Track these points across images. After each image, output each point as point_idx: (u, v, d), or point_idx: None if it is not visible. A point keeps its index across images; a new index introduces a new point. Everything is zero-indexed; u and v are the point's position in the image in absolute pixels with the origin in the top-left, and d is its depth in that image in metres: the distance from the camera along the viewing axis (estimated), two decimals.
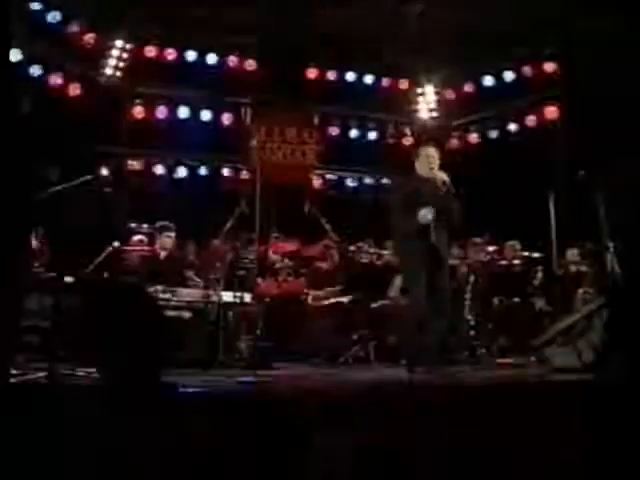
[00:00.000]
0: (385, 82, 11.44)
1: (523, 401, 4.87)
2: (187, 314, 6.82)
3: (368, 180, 11.58)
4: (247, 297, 7.33)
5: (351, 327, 7.45)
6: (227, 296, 7.12)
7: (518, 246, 8.43)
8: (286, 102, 11.08)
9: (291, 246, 8.80)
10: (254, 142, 10.98)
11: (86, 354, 4.97)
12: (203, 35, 10.60)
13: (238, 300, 7.10)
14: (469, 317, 7.62)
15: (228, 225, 7.74)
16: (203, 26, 10.33)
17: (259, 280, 8.38)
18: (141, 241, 8.01)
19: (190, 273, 7.95)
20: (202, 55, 10.63)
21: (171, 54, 10.50)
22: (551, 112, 10.47)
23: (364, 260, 7.44)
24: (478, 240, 8.23)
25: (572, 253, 8.65)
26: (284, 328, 7.72)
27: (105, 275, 7.09)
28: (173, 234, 7.57)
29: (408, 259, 6.29)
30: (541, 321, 7.94)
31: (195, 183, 10.76)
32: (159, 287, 6.74)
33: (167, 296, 6.69)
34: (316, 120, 11.34)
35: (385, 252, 7.96)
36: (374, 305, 7.64)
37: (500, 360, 7.28)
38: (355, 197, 11.44)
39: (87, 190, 6.11)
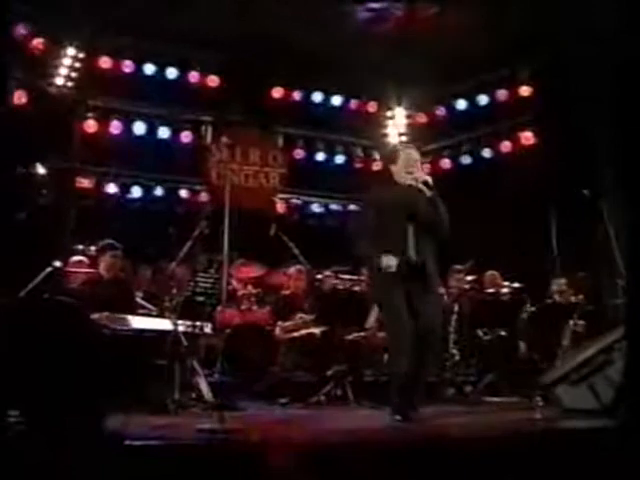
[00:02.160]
0: (353, 104, 10.56)
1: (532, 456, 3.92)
2: (137, 346, 5.64)
3: (334, 206, 10.60)
4: (207, 327, 6.23)
5: (324, 362, 6.35)
6: (184, 325, 6.01)
7: (497, 275, 7.54)
8: (249, 122, 10.12)
9: (255, 272, 7.73)
10: (214, 163, 9.95)
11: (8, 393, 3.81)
12: (163, 48, 9.61)
13: (197, 330, 6.00)
14: (454, 351, 6.64)
15: (186, 247, 6.71)
16: (163, 39, 9.36)
17: (219, 308, 7.29)
18: (80, 262, 6.87)
19: (141, 300, 6.82)
20: (161, 69, 9.60)
21: (128, 66, 9.44)
22: (527, 138, 9.71)
23: (340, 287, 6.41)
24: (459, 267, 7.28)
25: (558, 283, 7.80)
26: (248, 363, 6.62)
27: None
28: (119, 253, 6.43)
29: (382, 286, 5.09)
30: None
31: (150, 204, 9.63)
32: (104, 314, 5.57)
33: (113, 325, 5.51)
34: (280, 142, 10.36)
35: (362, 278, 6.94)
36: (349, 337, 6.56)
37: (490, 399, 6.33)
38: (321, 224, 10.44)
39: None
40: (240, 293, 7.52)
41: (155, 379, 5.49)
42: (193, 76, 9.76)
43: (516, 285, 7.14)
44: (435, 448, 3.95)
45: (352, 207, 10.62)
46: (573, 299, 7.12)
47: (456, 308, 6.72)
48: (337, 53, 9.76)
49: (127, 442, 3.32)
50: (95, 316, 5.48)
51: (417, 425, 4.71)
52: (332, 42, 9.51)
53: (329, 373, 6.27)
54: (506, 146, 9.82)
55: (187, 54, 9.74)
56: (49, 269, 6.02)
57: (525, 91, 9.62)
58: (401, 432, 4.53)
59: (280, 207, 10.16)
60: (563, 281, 7.72)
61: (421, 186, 5.13)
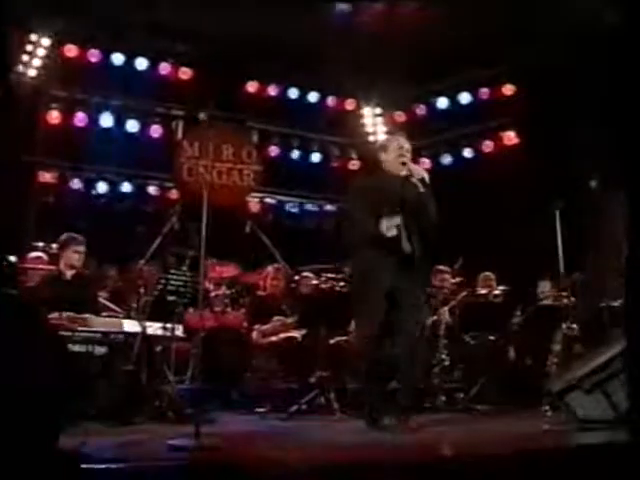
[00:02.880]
0: (330, 101, 9.99)
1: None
2: (101, 349, 4.90)
3: (310, 206, 10.01)
4: (178, 330, 5.59)
5: (306, 368, 5.73)
6: (153, 328, 5.37)
7: (493, 277, 7.02)
8: (223, 117, 9.48)
9: (229, 272, 7.10)
10: (185, 159, 9.29)
11: None
12: (133, 38, 8.95)
13: (167, 333, 5.36)
14: (443, 356, 6.08)
15: (155, 244, 6.09)
16: (133, 28, 8.71)
17: (190, 310, 6.64)
18: (39, 258, 6.19)
19: (105, 300, 6.15)
20: (130, 59, 8.93)
21: (94, 56, 8.74)
22: (509, 138, 9.24)
23: (322, 286, 5.80)
24: (444, 268, 6.73)
25: (544, 285, 7.31)
26: (222, 369, 5.99)
27: None
28: (83, 248, 5.75)
29: (364, 280, 4.72)
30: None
31: (116, 201, 8.93)
32: (64, 314, 4.89)
33: (74, 326, 4.82)
34: (255, 138, 9.74)
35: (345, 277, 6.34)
36: (332, 341, 5.96)
37: (482, 407, 5.79)
38: (296, 224, 9.83)
39: None
40: (213, 294, 6.89)
41: (120, 387, 4.83)
42: (164, 68, 9.12)
43: (505, 288, 6.60)
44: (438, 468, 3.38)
45: (329, 207, 10.08)
46: (565, 301, 6.60)
47: (447, 311, 6.16)
48: (314, 49, 9.23)
49: (84, 466, 2.69)
50: (55, 316, 4.83)
51: (410, 440, 4.15)
52: (309, 37, 8.99)
53: (311, 380, 5.66)
54: (488, 146, 9.33)
55: (158, 45, 9.10)
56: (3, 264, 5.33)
57: (508, 90, 9.16)
58: (393, 450, 3.93)
59: (254, 206, 9.53)
60: (548, 283, 7.25)
61: (415, 181, 4.72)
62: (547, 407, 4.71)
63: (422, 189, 4.71)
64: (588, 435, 4.00)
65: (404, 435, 4.28)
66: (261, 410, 5.58)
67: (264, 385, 5.87)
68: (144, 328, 5.20)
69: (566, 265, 7.61)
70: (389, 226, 4.58)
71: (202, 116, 4.38)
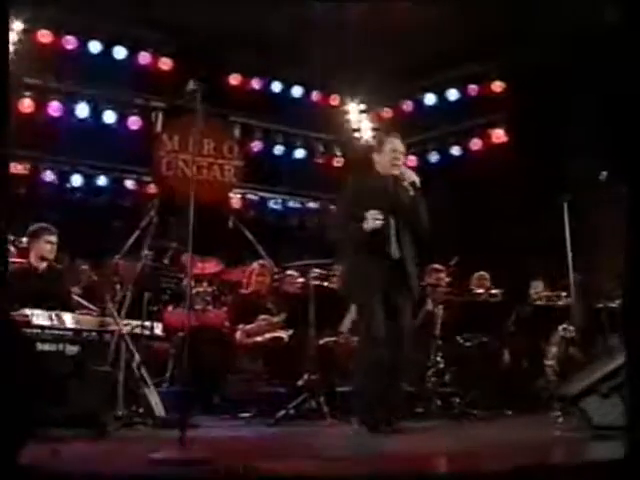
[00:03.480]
0: (315, 96, 9.57)
1: None
2: (73, 349, 4.35)
3: (293, 203, 9.57)
4: (157, 328, 5.13)
5: (294, 370, 5.28)
6: (130, 326, 4.89)
7: (487, 276, 6.65)
8: (204, 110, 8.99)
9: (211, 268, 6.63)
10: (165, 152, 8.81)
11: None
12: (111, 25, 8.45)
13: (145, 332, 4.88)
14: (438, 359, 5.68)
15: (133, 237, 5.65)
16: (111, 15, 8.21)
17: (169, 309, 6.18)
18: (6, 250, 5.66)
19: (78, 297, 5.65)
20: (108, 47, 8.42)
21: (70, 42, 8.22)
22: (498, 136, 8.90)
23: (314, 283, 5.35)
24: (439, 267, 6.33)
25: (536, 285, 6.96)
26: (203, 371, 5.51)
27: None
28: (55, 239, 5.24)
29: (357, 281, 4.55)
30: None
31: (92, 195, 8.41)
32: (34, 311, 4.38)
33: (44, 322, 4.32)
34: (237, 132, 9.28)
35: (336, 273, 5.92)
36: (322, 342, 5.51)
37: (480, 412, 5.40)
38: (279, 222, 9.38)
39: None
40: (194, 291, 6.42)
41: (93, 390, 4.33)
42: (144, 57, 8.62)
43: (498, 289, 6.22)
44: None
45: (312, 205, 9.66)
46: (561, 302, 6.24)
47: (440, 312, 5.75)
48: (299, 42, 8.82)
49: None
50: (25, 312, 4.32)
51: (412, 449, 3.74)
52: (294, 30, 8.57)
53: (299, 383, 5.21)
54: (476, 144, 8.98)
55: (138, 33, 8.61)
56: None
57: (498, 87, 8.82)
58: (394, 460, 3.51)
59: (235, 202, 9.06)
60: (541, 283, 6.90)
61: (406, 185, 4.61)
62: (558, 413, 4.31)
63: (412, 192, 4.58)
64: (605, 446, 3.59)
65: (403, 442, 3.89)
66: (246, 415, 5.13)
67: (248, 388, 5.41)
68: (120, 326, 4.73)
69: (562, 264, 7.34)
70: (371, 219, 4.39)
71: (191, 85, 3.90)
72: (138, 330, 4.87)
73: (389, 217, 4.50)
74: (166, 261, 5.20)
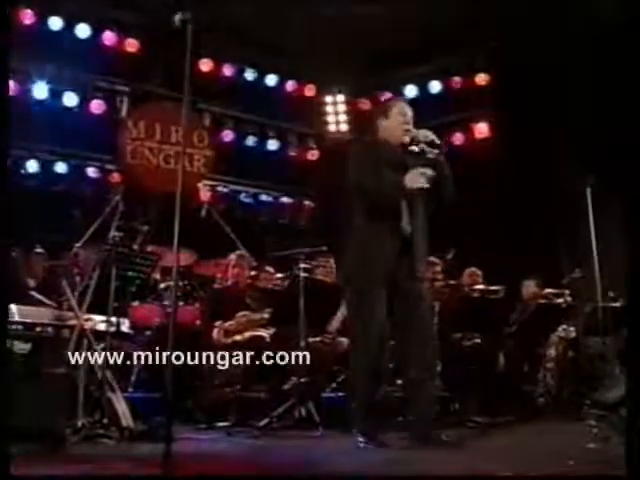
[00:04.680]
0: (290, 85, 8.89)
1: None
2: (23, 346, 3.55)
3: (265, 197, 8.84)
4: (124, 325, 4.36)
5: (280, 373, 4.56)
6: (93, 321, 4.12)
7: (479, 273, 6.04)
8: (172, 95, 8.24)
9: (183, 260, 5.85)
10: (130, 140, 8.01)
11: None
12: (74, 1, 7.64)
13: (110, 328, 4.11)
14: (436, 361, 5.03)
15: (95, 224, 4.94)
16: None
17: (135, 304, 5.41)
18: None
19: (33, 291, 4.87)
20: (70, 25, 7.60)
21: (28, 17, 7.38)
22: (480, 130, 8.35)
23: (304, 275, 4.62)
24: (435, 260, 5.68)
25: (528, 285, 6.39)
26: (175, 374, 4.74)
27: None
28: None
29: (361, 262, 3.82)
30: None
31: (50, 182, 7.55)
32: None
33: None
34: (207, 121, 8.52)
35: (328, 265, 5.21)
36: (308, 342, 4.78)
37: (483, 419, 4.78)
38: (250, 216, 8.63)
39: None
40: (163, 285, 5.66)
41: (49, 395, 3.54)
42: (108, 38, 7.82)
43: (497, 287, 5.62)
44: None
45: (285, 199, 8.95)
46: (561, 301, 5.67)
47: (437, 309, 5.10)
48: (274, 28, 8.16)
49: None
50: None
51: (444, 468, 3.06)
52: (269, 16, 7.91)
53: (285, 388, 4.49)
54: (458, 138, 8.40)
55: (103, 11, 7.82)
56: None
57: (482, 80, 8.27)
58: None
59: (204, 195, 8.27)
60: (532, 282, 6.34)
61: (424, 146, 3.89)
62: (593, 423, 3.68)
63: (432, 154, 3.86)
64: None
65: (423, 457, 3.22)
66: (224, 424, 4.39)
67: (226, 394, 4.65)
68: (81, 321, 3.95)
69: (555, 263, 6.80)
70: (417, 174, 3.68)
71: (179, 17, 3.19)
72: (102, 326, 4.09)
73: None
74: (135, 247, 4.45)
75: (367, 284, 3.72)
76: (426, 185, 3.67)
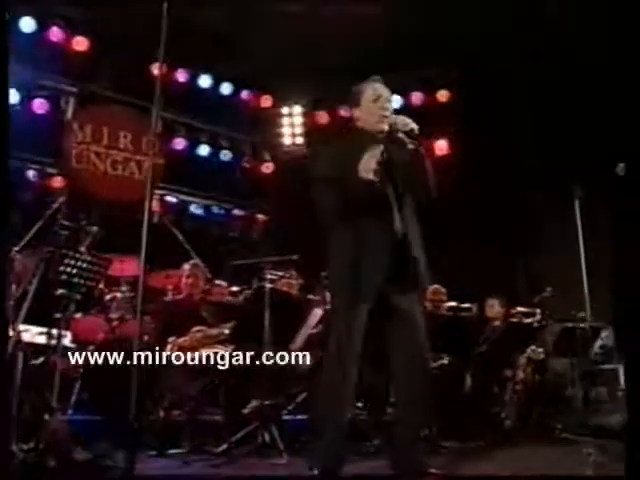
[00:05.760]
0: (245, 95, 8.49)
1: None
2: None
3: (217, 209, 8.36)
4: (66, 338, 3.83)
5: (238, 395, 4.08)
6: (30, 333, 3.58)
7: (443, 291, 5.70)
8: (121, 99, 7.72)
9: (131, 269, 5.32)
10: (75, 143, 7.44)
11: None
12: None
13: (52, 342, 3.57)
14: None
15: (35, 228, 4.44)
16: None
17: (77, 316, 4.85)
18: None
19: None
20: (13, 18, 6.99)
21: None
22: (440, 148, 8.12)
23: (269, 285, 4.17)
24: None
25: (492, 303, 6.09)
26: (120, 394, 4.21)
27: None
28: None
29: (343, 276, 3.20)
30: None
31: None
32: None
33: None
34: (158, 127, 8.00)
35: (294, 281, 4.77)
36: (273, 360, 4.30)
37: (452, 444, 4.41)
38: (200, 229, 8.12)
39: None
40: (109, 297, 5.11)
41: None
42: (55, 34, 7.29)
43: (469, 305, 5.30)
44: None
45: (237, 212, 8.49)
46: (532, 321, 5.40)
47: None
48: (233, 35, 7.77)
49: None
50: None
51: None
52: (228, 21, 7.55)
53: (245, 411, 4.01)
54: None
55: (48, 6, 7.27)
56: None
57: (443, 96, 8.06)
58: None
59: (153, 204, 7.72)
60: (496, 301, 6.03)
61: (402, 136, 3.31)
62: (590, 449, 3.32)
63: (411, 145, 3.29)
64: None
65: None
66: (177, 451, 3.88)
67: (179, 417, 4.14)
68: (17, 333, 3.41)
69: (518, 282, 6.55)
70: (369, 158, 3.11)
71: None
72: (41, 339, 3.55)
73: (386, 184, 3.26)
74: (83, 248, 3.93)
75: (348, 297, 3.14)
76: (376, 179, 3.11)
